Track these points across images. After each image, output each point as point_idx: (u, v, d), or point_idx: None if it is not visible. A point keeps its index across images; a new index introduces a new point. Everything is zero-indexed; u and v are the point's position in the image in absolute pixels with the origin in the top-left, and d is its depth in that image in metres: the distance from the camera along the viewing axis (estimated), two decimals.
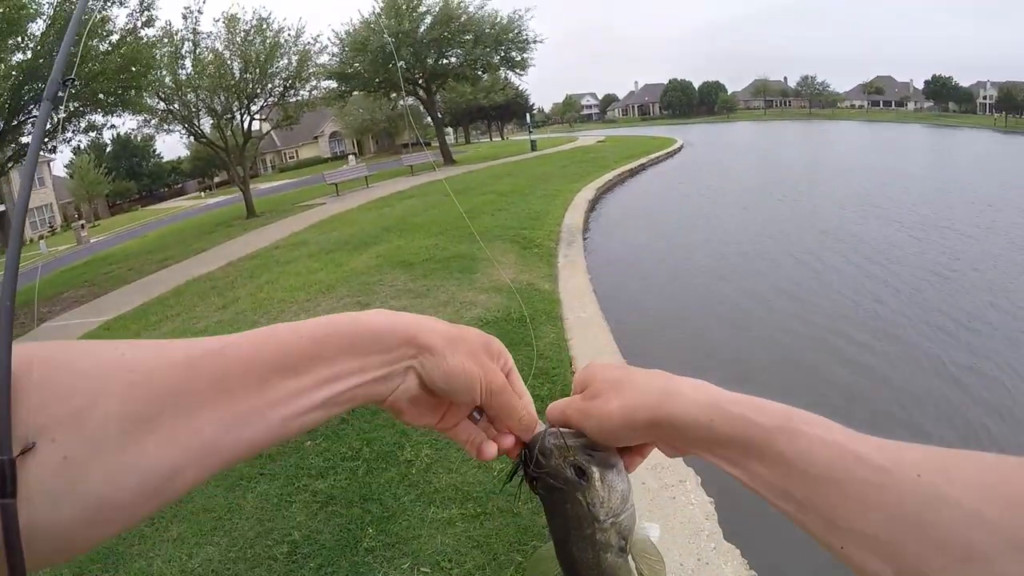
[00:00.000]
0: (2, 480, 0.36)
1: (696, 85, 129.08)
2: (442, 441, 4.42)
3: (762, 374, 6.58)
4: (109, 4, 13.83)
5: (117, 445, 0.39)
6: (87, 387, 0.39)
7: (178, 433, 0.41)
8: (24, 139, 14.76)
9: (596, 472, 0.55)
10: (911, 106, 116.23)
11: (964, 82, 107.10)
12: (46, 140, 15.24)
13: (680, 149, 36.23)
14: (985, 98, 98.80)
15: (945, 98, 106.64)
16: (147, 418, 0.40)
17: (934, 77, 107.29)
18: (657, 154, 31.27)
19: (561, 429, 0.57)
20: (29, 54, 12.60)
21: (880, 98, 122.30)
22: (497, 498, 3.71)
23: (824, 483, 0.42)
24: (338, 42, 30.55)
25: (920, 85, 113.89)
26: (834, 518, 0.41)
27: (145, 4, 14.91)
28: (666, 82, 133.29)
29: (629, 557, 0.58)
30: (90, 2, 12.78)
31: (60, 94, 0.65)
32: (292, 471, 4.32)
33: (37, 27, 12.77)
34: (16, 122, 13.27)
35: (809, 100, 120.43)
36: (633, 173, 25.15)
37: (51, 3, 12.81)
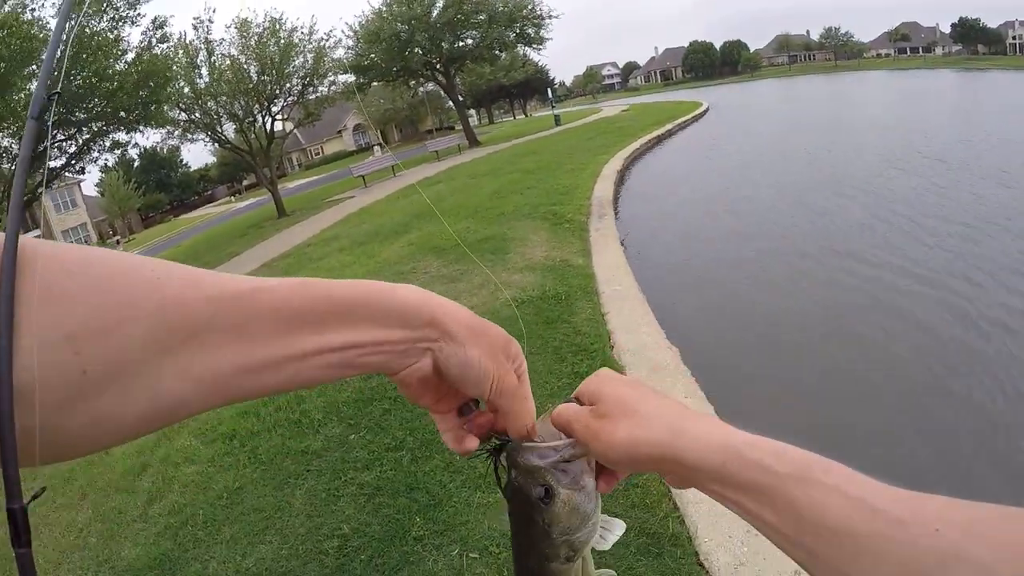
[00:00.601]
0: (15, 529, 0.34)
1: (717, 46, 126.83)
2: None
3: (798, 334, 6.47)
4: (122, 24, 13.97)
5: (135, 368, 0.39)
6: (117, 305, 0.39)
7: (194, 367, 0.41)
8: (52, 163, 15.06)
9: (562, 494, 0.55)
10: (939, 51, 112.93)
11: (992, 23, 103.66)
12: (72, 162, 15.55)
13: (706, 112, 35.64)
14: (1015, 38, 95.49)
15: (973, 40, 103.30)
16: (168, 348, 0.40)
17: (961, 20, 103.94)
18: (683, 119, 30.81)
19: (542, 443, 0.56)
20: (48, 81, 12.78)
21: (907, 45, 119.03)
22: None
23: (837, 536, 0.40)
24: (352, 35, 30.54)
25: (947, 29, 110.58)
26: (847, 572, 0.39)
27: (159, 23, 15.04)
28: (687, 45, 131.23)
29: (578, 562, 0.59)
30: (93, 26, 13.10)
31: (47, 113, 0.62)
32: (338, 465, 4.34)
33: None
34: (42, 148, 13.50)
35: (834, 52, 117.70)
36: (660, 140, 24.80)
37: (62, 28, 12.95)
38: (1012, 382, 4.86)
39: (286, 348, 0.45)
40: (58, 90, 0.65)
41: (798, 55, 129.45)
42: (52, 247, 0.39)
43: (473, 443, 0.58)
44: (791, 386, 5.49)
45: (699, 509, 3.24)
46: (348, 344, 0.47)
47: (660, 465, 0.50)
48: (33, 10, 12.75)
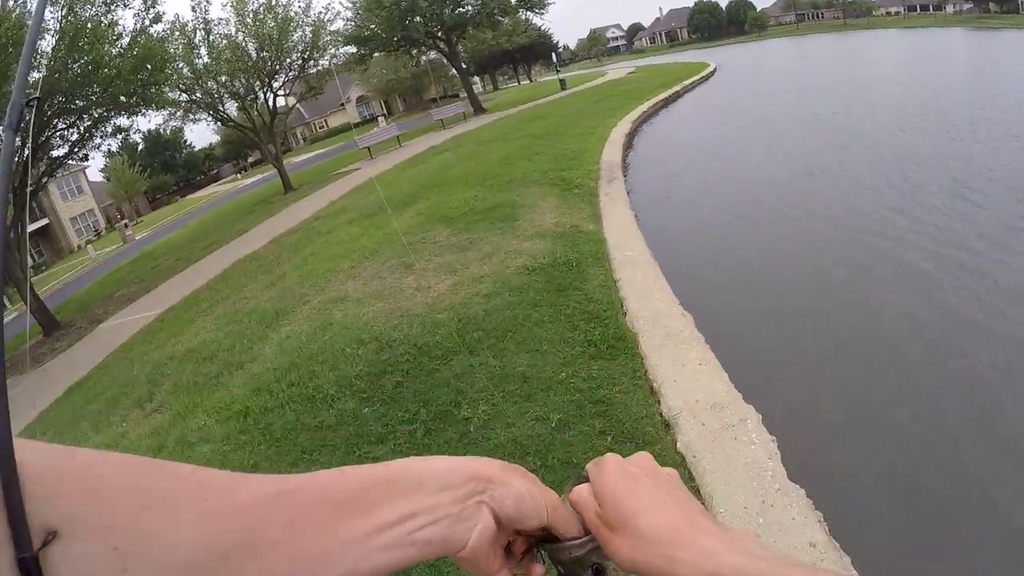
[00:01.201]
0: None
1: (723, 5, 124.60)
2: (498, 396, 4.36)
3: (802, 298, 6.39)
4: (114, 7, 13.81)
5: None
6: (159, 507, 0.37)
7: (247, 570, 0.39)
8: (54, 152, 15.03)
9: (610, 565, 0.55)
10: (950, 8, 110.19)
11: None
12: (75, 150, 15.51)
13: (713, 73, 35.11)
14: None
15: None
16: (219, 553, 0.38)
17: None
18: (691, 79, 30.38)
19: (574, 540, 0.56)
20: (44, 71, 12.70)
21: (917, 2, 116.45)
22: (557, 450, 3.64)
23: None
24: (351, 5, 30.17)
25: None
26: None
27: (150, 2, 14.87)
28: (692, 5, 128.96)
29: None
30: (87, 11, 12.93)
31: (24, 119, 0.56)
32: (352, 439, 4.32)
33: (46, 43, 12.84)
34: (44, 138, 13.51)
35: (843, 10, 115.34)
36: (667, 102, 24.46)
37: (56, 18, 12.85)
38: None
39: (339, 537, 0.43)
40: (37, 95, 0.59)
41: (806, 13, 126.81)
42: (95, 456, 0.38)
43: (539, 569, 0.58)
44: (802, 352, 5.42)
45: (715, 478, 3.21)
46: (400, 518, 0.46)
47: None
48: (24, 3, 12.64)
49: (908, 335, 5.27)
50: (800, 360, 5.27)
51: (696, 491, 3.17)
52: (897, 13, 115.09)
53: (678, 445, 3.53)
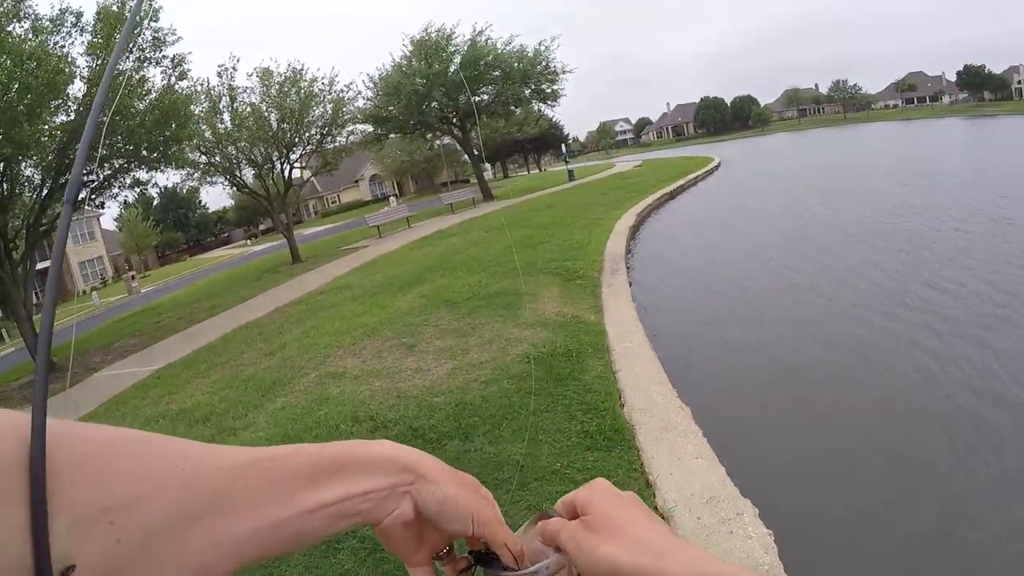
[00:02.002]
0: None
1: (728, 101, 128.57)
2: (491, 483, 4.33)
3: (801, 394, 6.39)
4: (146, 65, 14.32)
5: (164, 536, 0.41)
6: (147, 477, 0.42)
7: (215, 532, 0.44)
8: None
9: None
10: (946, 100, 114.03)
11: (996, 68, 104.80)
12: (93, 197, 15.80)
13: (717, 167, 35.94)
14: (1020, 83, 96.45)
15: (979, 87, 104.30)
16: (193, 515, 0.43)
17: (966, 67, 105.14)
18: (695, 174, 31.08)
19: (524, 569, 0.58)
20: (72, 115, 13.08)
21: (914, 95, 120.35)
22: None
23: None
24: (372, 86, 31.16)
25: (952, 77, 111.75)
26: None
27: (177, 60, 15.43)
28: (698, 101, 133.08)
29: None
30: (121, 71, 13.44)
31: (81, 196, 0.64)
32: None
33: (77, 88, 13.27)
34: (63, 180, 13.80)
35: (843, 104, 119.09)
36: (672, 195, 25.01)
37: (89, 65, 13.31)
38: None
39: (293, 507, 0.49)
40: (94, 178, 0.66)
41: (807, 108, 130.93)
42: (86, 429, 0.42)
43: None
44: (801, 447, 5.40)
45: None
46: (342, 496, 0.51)
47: None
48: (63, 47, 13.13)
49: (915, 429, 5.26)
50: (799, 455, 5.25)
51: None
52: (895, 106, 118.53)
53: None
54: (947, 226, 12.52)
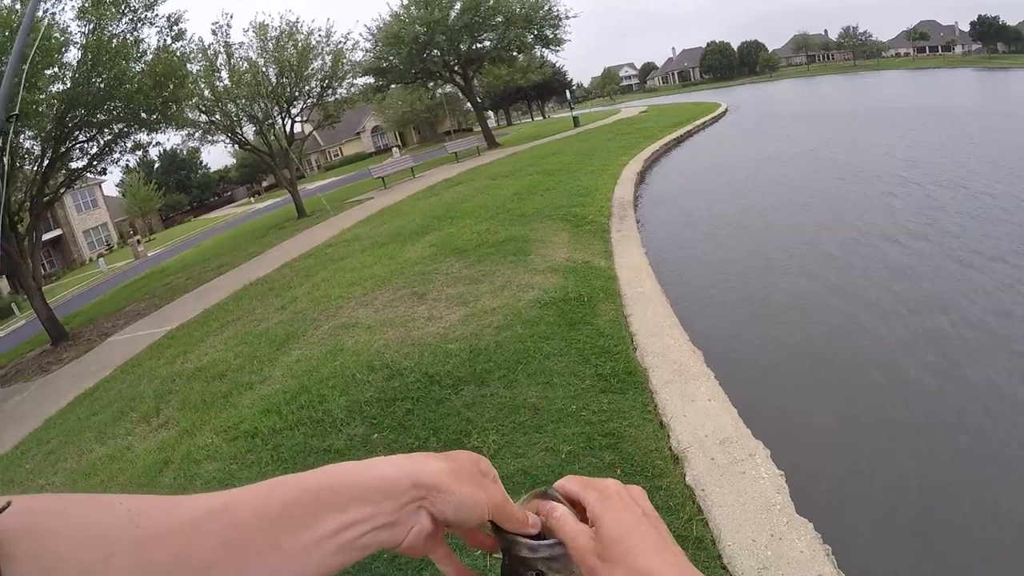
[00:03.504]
0: None
1: (735, 46, 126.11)
2: (508, 426, 4.40)
3: (815, 333, 6.40)
4: (140, 26, 14.08)
5: None
6: (95, 541, 0.39)
7: None
8: (73, 164, 15.22)
9: None
10: (958, 50, 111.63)
11: (1011, 21, 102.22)
12: (94, 163, 15.74)
13: (725, 113, 35.45)
14: None
15: (993, 39, 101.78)
16: (157, 575, 0.40)
17: (980, 18, 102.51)
18: (702, 120, 30.67)
19: (537, 542, 0.58)
20: (69, 83, 12.92)
21: (926, 44, 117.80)
22: None
23: None
24: (371, 37, 30.69)
25: (966, 27, 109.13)
26: None
27: (173, 19, 15.15)
28: (704, 46, 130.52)
29: None
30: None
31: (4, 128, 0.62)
32: None
33: (72, 55, 13.08)
34: (64, 149, 13.71)
35: (853, 52, 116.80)
36: (679, 141, 24.72)
37: (82, 31, 13.09)
38: None
39: (280, 551, 0.45)
40: (16, 112, 0.64)
41: (816, 55, 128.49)
42: (23, 501, 0.39)
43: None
44: (813, 386, 5.44)
45: (724, 512, 3.21)
46: (342, 526, 0.48)
47: None
48: (53, 14, 12.90)
49: (927, 371, 5.29)
50: (812, 396, 5.29)
51: (704, 524, 3.19)
52: (906, 54, 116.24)
53: (687, 479, 3.55)
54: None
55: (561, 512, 0.58)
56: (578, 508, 0.58)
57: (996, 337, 5.75)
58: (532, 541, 0.57)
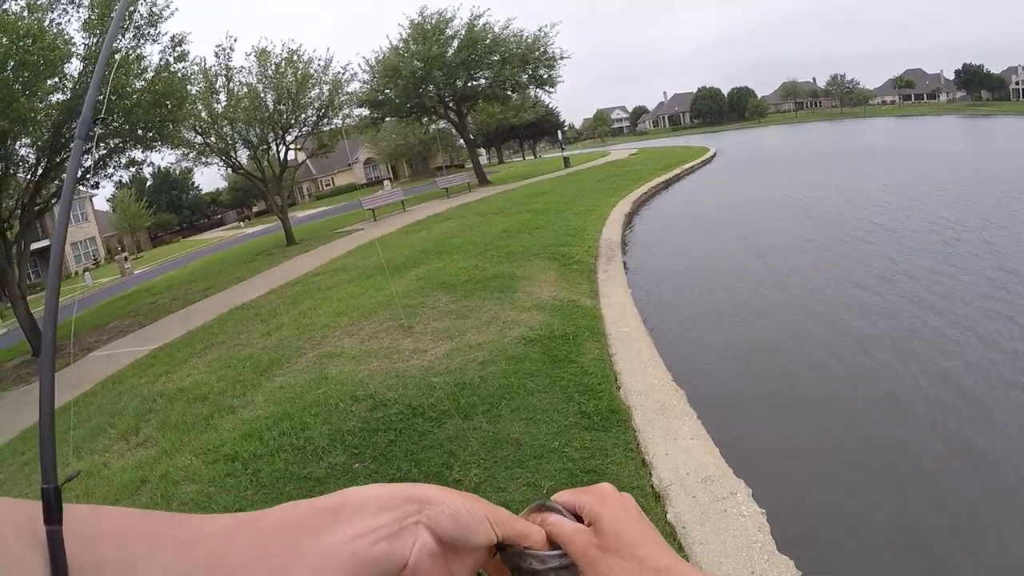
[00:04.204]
0: (48, 507, 0.39)
1: (725, 92, 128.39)
2: (490, 460, 4.41)
3: (797, 375, 6.47)
4: (143, 43, 14.19)
5: None
6: (141, 539, 0.43)
7: None
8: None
9: None
10: (943, 97, 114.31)
11: (995, 68, 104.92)
12: (87, 176, 15.73)
13: (713, 157, 35.99)
14: (1018, 83, 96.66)
15: (977, 86, 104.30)
16: (196, 574, 0.43)
17: (964, 66, 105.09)
18: (691, 164, 31.11)
19: (545, 553, 0.58)
20: (68, 94, 12.97)
21: (911, 92, 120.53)
22: None
23: None
24: (368, 69, 31.06)
25: (951, 75, 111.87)
26: None
27: (177, 40, 15.29)
28: (695, 91, 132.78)
29: None
30: (117, 42, 13.33)
31: (92, 132, 0.67)
32: None
33: (74, 67, 13.15)
34: (59, 159, 13.69)
35: (840, 99, 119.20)
36: (668, 184, 25.03)
37: (85, 44, 13.18)
38: None
39: (301, 557, 0.48)
40: (103, 115, 0.68)
41: (804, 102, 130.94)
42: (109, 513, 0.44)
43: None
44: (795, 429, 5.49)
45: (705, 550, 3.25)
46: (349, 538, 0.50)
47: None
48: (59, 24, 13.01)
49: (905, 406, 5.36)
50: (793, 437, 5.34)
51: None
52: (892, 102, 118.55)
53: (668, 516, 3.58)
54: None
55: (556, 517, 0.60)
56: (577, 518, 0.60)
57: (995, 351, 5.84)
58: (541, 552, 0.58)
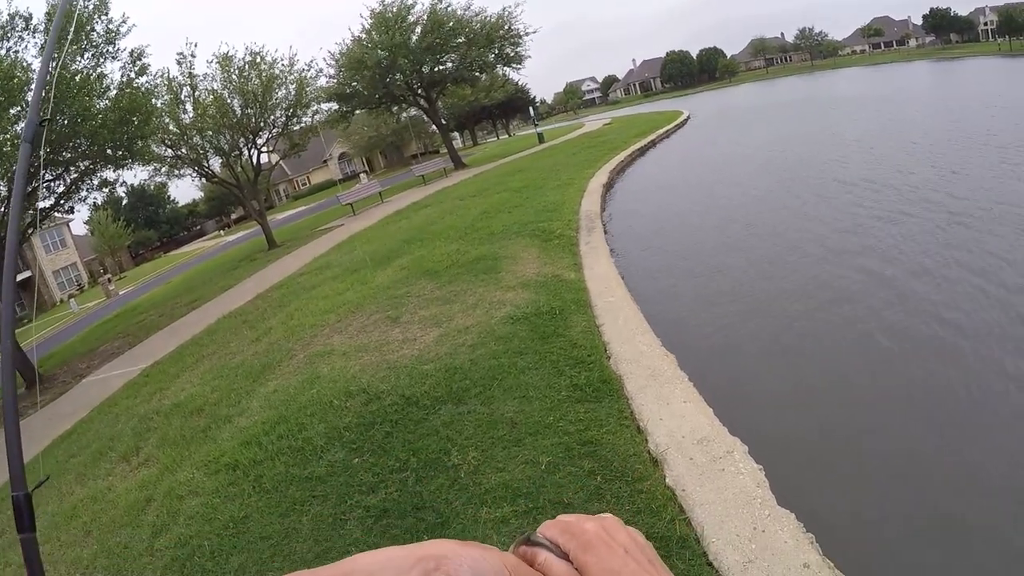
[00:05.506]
0: (19, 515, 0.37)
1: (694, 54, 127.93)
2: (487, 442, 4.44)
3: (781, 330, 6.52)
4: (103, 61, 13.99)
5: None
6: None
7: None
8: (41, 204, 15.00)
9: None
10: (912, 43, 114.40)
11: (962, 11, 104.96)
12: (61, 202, 15.53)
13: (687, 120, 35.95)
14: (986, 24, 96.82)
15: (945, 30, 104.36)
16: None
17: (932, 10, 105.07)
18: (666, 128, 31.08)
19: None
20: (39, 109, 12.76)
21: (880, 40, 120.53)
22: (548, 492, 3.71)
23: None
24: (334, 63, 30.77)
25: (919, 20, 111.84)
26: None
27: (136, 54, 15.08)
28: (664, 55, 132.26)
29: None
30: (76, 64, 13.14)
31: (40, 127, 0.65)
32: (343, 490, 4.35)
33: (33, 95, 12.91)
34: (30, 189, 13.51)
35: (810, 52, 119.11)
36: (643, 151, 25.01)
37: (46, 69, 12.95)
38: None
39: None
40: (48, 117, 0.67)
41: (774, 58, 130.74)
42: None
43: None
44: (784, 382, 5.54)
45: (705, 510, 3.28)
46: None
47: None
48: (16, 52, 12.80)
49: (893, 354, 5.42)
50: (782, 391, 5.39)
51: (687, 523, 3.25)
52: (862, 51, 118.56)
53: (667, 480, 3.62)
54: None
55: (545, 556, 0.58)
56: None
57: (994, 324, 5.91)
58: None
